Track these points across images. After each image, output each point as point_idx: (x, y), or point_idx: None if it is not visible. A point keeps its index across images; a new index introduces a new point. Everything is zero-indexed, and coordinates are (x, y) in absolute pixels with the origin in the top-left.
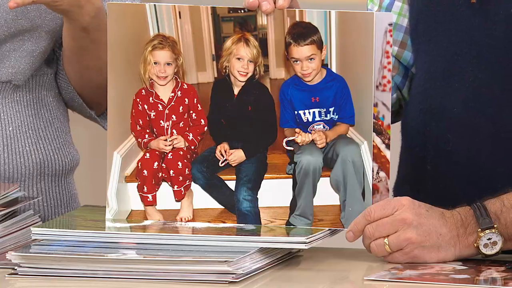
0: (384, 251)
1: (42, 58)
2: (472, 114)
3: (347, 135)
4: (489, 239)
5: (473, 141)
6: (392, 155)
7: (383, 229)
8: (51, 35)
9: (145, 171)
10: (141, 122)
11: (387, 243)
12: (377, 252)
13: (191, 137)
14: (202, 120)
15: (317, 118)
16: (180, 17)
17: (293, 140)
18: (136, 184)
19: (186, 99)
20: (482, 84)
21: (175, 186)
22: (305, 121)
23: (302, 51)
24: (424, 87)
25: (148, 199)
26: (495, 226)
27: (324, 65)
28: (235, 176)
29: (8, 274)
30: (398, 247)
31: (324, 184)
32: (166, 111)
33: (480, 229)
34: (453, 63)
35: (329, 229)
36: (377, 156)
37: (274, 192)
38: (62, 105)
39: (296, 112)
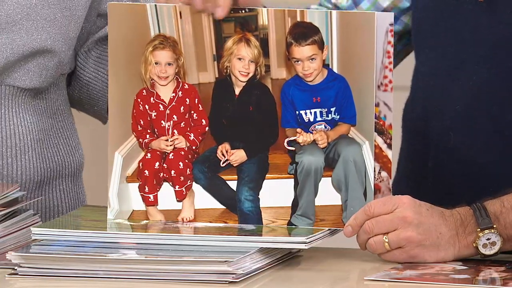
0: (383, 248)
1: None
2: (475, 112)
3: (349, 135)
4: (488, 239)
5: (475, 139)
6: (394, 155)
7: (383, 225)
8: (71, 45)
9: (146, 171)
10: (142, 122)
11: (386, 240)
12: (375, 249)
13: (192, 137)
14: (203, 120)
15: (319, 118)
16: (181, 17)
17: (295, 140)
18: (137, 184)
19: (187, 99)
20: (486, 82)
21: (177, 186)
22: (306, 121)
23: (303, 51)
24: (428, 84)
25: (150, 199)
26: (494, 226)
27: (325, 65)
28: (236, 176)
29: (8, 274)
30: (397, 245)
31: (325, 184)
32: (167, 111)
33: (479, 229)
34: (459, 61)
35: (329, 229)
36: (379, 156)
37: (276, 192)
38: (69, 106)
39: (297, 112)
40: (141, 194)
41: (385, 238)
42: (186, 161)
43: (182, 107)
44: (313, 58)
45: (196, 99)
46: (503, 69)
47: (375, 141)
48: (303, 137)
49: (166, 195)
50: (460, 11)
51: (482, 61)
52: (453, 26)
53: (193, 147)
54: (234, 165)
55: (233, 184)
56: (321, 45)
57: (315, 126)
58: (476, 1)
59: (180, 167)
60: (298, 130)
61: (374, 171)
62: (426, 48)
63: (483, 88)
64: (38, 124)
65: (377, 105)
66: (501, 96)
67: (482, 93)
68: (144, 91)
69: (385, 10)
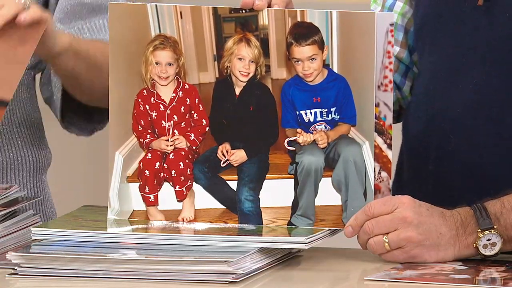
0: (383, 248)
1: None
2: (475, 115)
3: (349, 135)
4: (488, 240)
5: (475, 142)
6: (394, 155)
7: (383, 226)
8: None
9: (147, 171)
10: (142, 123)
11: (386, 240)
12: (375, 249)
13: (192, 137)
14: (204, 120)
15: (319, 118)
16: (181, 17)
17: (295, 140)
18: (138, 184)
19: (188, 99)
20: (486, 85)
21: (177, 187)
22: (306, 121)
23: (303, 51)
24: (428, 88)
25: (150, 199)
26: (494, 227)
27: (325, 65)
28: (236, 177)
29: (8, 274)
30: (397, 245)
31: (325, 184)
32: (168, 111)
33: (479, 230)
34: (458, 64)
35: (329, 229)
36: (379, 156)
37: (276, 192)
38: (36, 103)
39: (297, 112)
40: (141, 194)
41: (385, 238)
42: (187, 161)
43: (183, 107)
44: (313, 58)
45: (197, 99)
46: (502, 71)
47: (375, 141)
48: (303, 137)
49: (167, 195)
50: (459, 15)
51: (481, 64)
52: (452, 30)
53: (194, 147)
54: (235, 165)
55: (233, 184)
56: (321, 45)
57: (315, 126)
58: (474, 4)
59: (180, 167)
60: (298, 130)
61: (374, 171)
62: (426, 52)
63: (483, 91)
64: None
65: (377, 105)
66: (501, 99)
67: (482, 96)
68: (144, 91)
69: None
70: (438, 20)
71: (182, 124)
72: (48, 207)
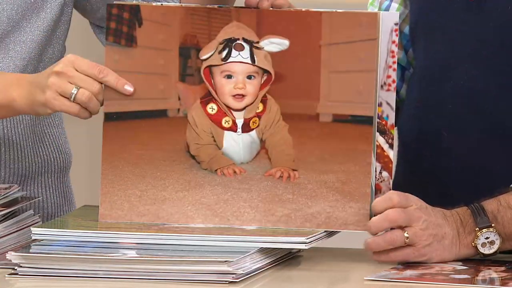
0: (402, 241)
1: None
2: (467, 110)
3: None
4: (486, 238)
5: (468, 138)
6: (395, 155)
7: (407, 217)
8: (45, 25)
9: None
10: None
11: (407, 235)
12: (394, 241)
13: None
14: None
15: None
16: None
17: None
18: None
19: None
20: (477, 80)
21: None
22: None
23: None
24: (420, 84)
25: None
26: (492, 225)
27: None
28: None
29: (8, 274)
30: (414, 242)
31: None
32: None
33: (477, 228)
34: (449, 60)
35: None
36: (380, 156)
37: None
38: None
39: None
40: None
41: (406, 234)
42: None
43: None
44: None
45: None
46: (493, 67)
47: (377, 141)
48: None
49: None
50: (451, 11)
51: (472, 60)
52: (443, 26)
53: None
54: None
55: None
56: None
57: None
58: (466, 0)
59: None
60: None
61: (375, 171)
62: (420, 49)
63: (474, 87)
64: (23, 119)
65: (380, 104)
66: (493, 94)
67: (473, 92)
68: None
69: None
70: (430, 17)
71: None
72: (73, 207)
